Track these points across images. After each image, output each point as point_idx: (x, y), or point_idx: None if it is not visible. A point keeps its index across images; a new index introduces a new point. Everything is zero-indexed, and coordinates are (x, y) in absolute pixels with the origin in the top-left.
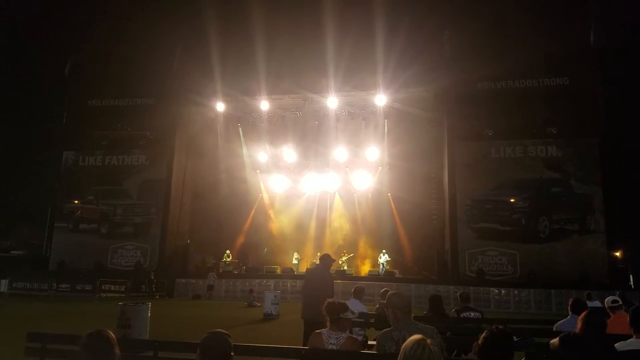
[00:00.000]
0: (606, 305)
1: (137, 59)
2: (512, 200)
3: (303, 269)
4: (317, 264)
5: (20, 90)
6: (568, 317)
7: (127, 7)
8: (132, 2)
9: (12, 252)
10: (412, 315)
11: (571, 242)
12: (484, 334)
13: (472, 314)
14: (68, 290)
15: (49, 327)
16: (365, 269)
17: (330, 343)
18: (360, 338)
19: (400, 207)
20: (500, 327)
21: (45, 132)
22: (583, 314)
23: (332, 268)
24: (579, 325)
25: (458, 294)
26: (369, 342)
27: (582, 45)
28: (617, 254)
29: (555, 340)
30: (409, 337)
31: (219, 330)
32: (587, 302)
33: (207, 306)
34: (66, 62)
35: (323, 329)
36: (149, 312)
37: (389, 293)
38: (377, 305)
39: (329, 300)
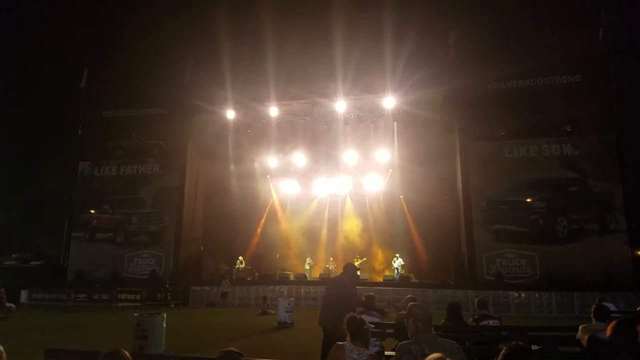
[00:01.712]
0: None
1: (150, 70)
2: (528, 200)
3: (316, 274)
4: (340, 273)
5: (36, 104)
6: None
7: (138, 19)
8: (143, 13)
9: (31, 262)
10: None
11: (591, 242)
12: (503, 351)
13: (491, 321)
14: (86, 300)
15: (67, 339)
16: (379, 273)
17: (352, 358)
18: (376, 349)
19: (413, 210)
20: (520, 343)
21: (61, 144)
22: (614, 322)
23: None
24: (608, 332)
25: (476, 301)
26: (386, 353)
27: (593, 41)
28: None
29: (583, 337)
30: (429, 351)
31: (232, 349)
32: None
33: (222, 314)
34: (82, 75)
35: (345, 342)
36: (165, 322)
37: (410, 304)
38: (397, 314)
39: (350, 315)
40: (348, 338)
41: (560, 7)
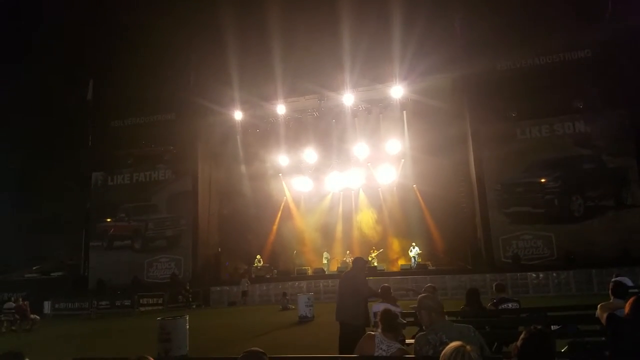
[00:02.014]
0: None
1: (155, 76)
2: (542, 180)
3: (334, 268)
4: (350, 268)
5: (45, 116)
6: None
7: (140, 24)
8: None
9: (52, 274)
10: (450, 310)
11: (608, 219)
12: (522, 335)
13: (510, 304)
14: (108, 307)
15: (93, 347)
16: (396, 263)
17: (381, 349)
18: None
19: (427, 198)
20: (539, 327)
21: (73, 156)
22: (632, 299)
23: None
24: (626, 309)
25: (494, 285)
26: (407, 341)
27: (601, 15)
28: None
29: (602, 315)
30: (446, 339)
31: (256, 349)
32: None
33: (243, 312)
34: (87, 86)
35: (376, 333)
36: (187, 324)
37: (420, 296)
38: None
39: (385, 308)
40: (379, 330)
41: None
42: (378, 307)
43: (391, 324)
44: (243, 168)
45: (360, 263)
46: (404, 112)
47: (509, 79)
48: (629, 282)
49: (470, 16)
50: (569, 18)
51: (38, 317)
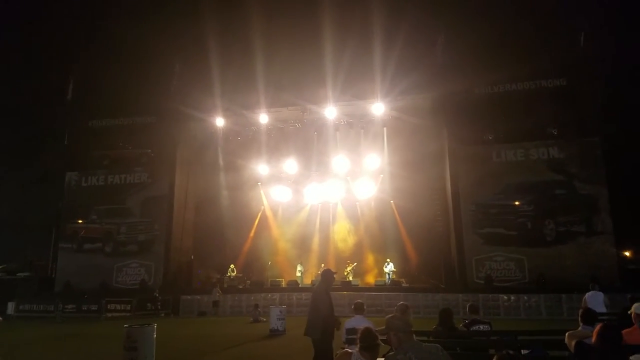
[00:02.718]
0: (634, 312)
1: (136, 77)
2: (516, 203)
3: (307, 280)
4: (319, 281)
5: (22, 114)
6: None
7: (124, 26)
8: (129, 20)
9: (18, 274)
10: (422, 329)
11: (578, 245)
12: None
13: (481, 326)
14: (74, 311)
15: (57, 352)
16: (371, 278)
17: None
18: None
19: (404, 215)
20: (511, 351)
21: (47, 155)
22: (598, 327)
23: (337, 279)
24: (594, 337)
25: (467, 306)
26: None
27: (577, 45)
28: (627, 254)
29: (570, 342)
30: (415, 359)
31: None
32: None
33: (213, 323)
34: (67, 84)
35: (354, 351)
36: (155, 333)
37: (387, 317)
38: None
39: (366, 327)
40: (357, 348)
41: (545, 12)
42: (353, 322)
43: (371, 344)
44: (221, 175)
45: (326, 275)
46: (384, 128)
47: (486, 102)
48: (600, 298)
49: (451, 39)
50: (546, 46)
51: (1, 319)
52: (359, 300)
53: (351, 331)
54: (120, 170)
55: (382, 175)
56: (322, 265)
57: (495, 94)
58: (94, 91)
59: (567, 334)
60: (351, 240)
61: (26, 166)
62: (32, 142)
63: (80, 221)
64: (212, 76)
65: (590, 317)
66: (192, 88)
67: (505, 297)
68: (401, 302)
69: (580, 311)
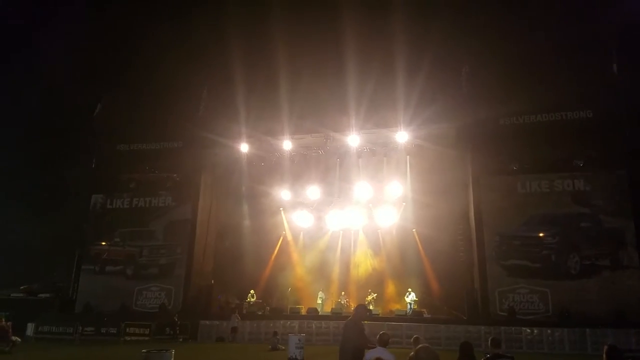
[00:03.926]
0: None
1: (165, 104)
2: (540, 235)
3: (328, 308)
4: (352, 315)
5: (51, 136)
6: None
7: (154, 54)
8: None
9: (40, 295)
10: None
11: (604, 279)
12: None
13: None
14: (93, 334)
15: None
16: (392, 308)
17: None
18: None
19: (426, 244)
20: None
21: (74, 176)
22: (606, 348)
23: None
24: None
25: (489, 339)
26: None
27: (604, 76)
28: None
29: None
30: None
31: None
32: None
33: (231, 350)
34: (96, 108)
35: None
36: (173, 358)
37: (418, 347)
38: (412, 354)
39: (377, 357)
40: None
41: (573, 43)
42: (373, 354)
43: None
44: (244, 200)
45: (361, 311)
46: (407, 156)
47: (512, 132)
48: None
49: (476, 68)
50: (573, 77)
51: (19, 339)
52: (385, 332)
53: None
54: (146, 193)
55: (404, 203)
56: (343, 293)
57: (521, 124)
58: (123, 116)
59: None
60: (372, 269)
61: (52, 187)
62: (60, 163)
63: (103, 243)
64: (238, 103)
65: (615, 354)
66: (218, 115)
67: (529, 331)
68: (415, 336)
69: (605, 347)
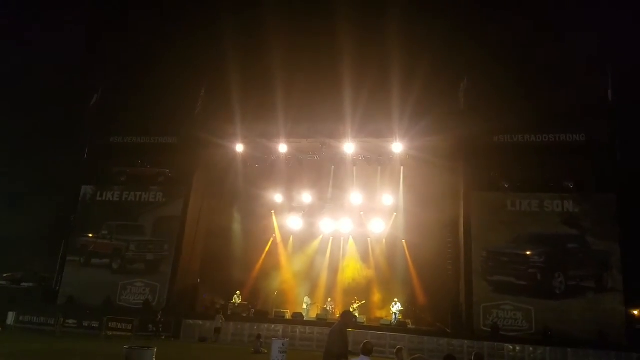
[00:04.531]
0: None
1: (161, 98)
2: (528, 253)
3: (313, 314)
4: (337, 322)
5: (44, 125)
6: None
7: (154, 49)
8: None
9: (22, 284)
10: None
11: (588, 300)
12: None
13: None
14: (75, 327)
15: None
16: (377, 317)
17: None
18: None
19: (415, 255)
20: None
21: (64, 166)
22: None
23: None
24: None
25: (473, 354)
26: None
27: (598, 100)
28: (636, 312)
29: None
30: None
31: None
32: None
33: (214, 350)
34: (91, 99)
35: None
36: (154, 356)
37: (415, 356)
38: None
39: None
40: None
41: (570, 65)
42: None
43: None
44: (236, 201)
45: (346, 318)
46: (402, 167)
47: (505, 150)
48: None
49: (473, 84)
50: (569, 100)
51: (0, 329)
52: (369, 341)
53: None
54: (137, 187)
55: (395, 214)
56: (329, 299)
57: (515, 143)
58: (117, 108)
59: None
60: (360, 276)
61: (43, 176)
62: (51, 152)
63: (90, 235)
64: (234, 104)
65: None
66: (214, 114)
67: (511, 347)
68: (399, 346)
69: None
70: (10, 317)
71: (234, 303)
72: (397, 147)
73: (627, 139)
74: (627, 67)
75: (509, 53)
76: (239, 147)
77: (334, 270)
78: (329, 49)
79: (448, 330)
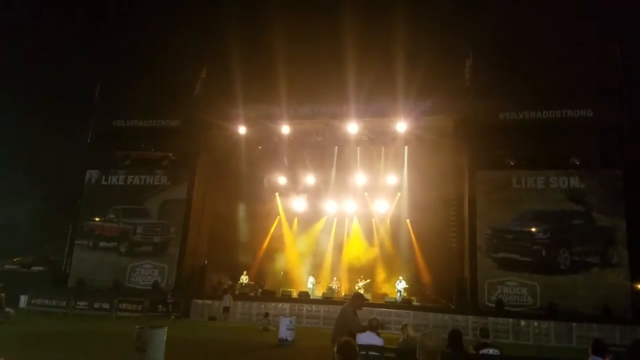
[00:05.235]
0: None
1: (163, 81)
2: (532, 230)
3: (319, 293)
4: (349, 301)
5: (47, 110)
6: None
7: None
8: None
9: (33, 267)
10: None
11: (592, 275)
12: None
13: (491, 350)
14: (86, 308)
15: (67, 348)
16: (382, 295)
17: None
18: None
19: (419, 234)
20: None
21: (70, 150)
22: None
23: (348, 293)
24: None
25: (478, 329)
26: None
27: (606, 76)
28: None
29: None
30: None
31: None
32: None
33: (223, 329)
34: (95, 83)
35: None
36: (165, 335)
37: (422, 334)
38: (400, 340)
39: (345, 339)
40: None
41: (578, 41)
42: (362, 338)
43: (348, 356)
44: (241, 183)
45: (358, 300)
46: (406, 147)
47: (510, 127)
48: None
49: (479, 62)
50: (576, 76)
51: (13, 311)
52: (375, 317)
53: (360, 347)
54: (141, 171)
55: (399, 194)
56: (335, 278)
57: (520, 120)
58: (120, 92)
59: None
60: (364, 255)
61: (48, 161)
62: (56, 137)
63: (97, 219)
64: (236, 86)
65: (600, 347)
66: (217, 96)
67: (516, 322)
68: (404, 323)
69: (592, 341)
70: (23, 300)
71: (241, 283)
72: (401, 126)
73: (635, 115)
74: (636, 42)
75: (515, 29)
76: (242, 129)
77: (338, 249)
78: (332, 28)
79: (452, 307)
